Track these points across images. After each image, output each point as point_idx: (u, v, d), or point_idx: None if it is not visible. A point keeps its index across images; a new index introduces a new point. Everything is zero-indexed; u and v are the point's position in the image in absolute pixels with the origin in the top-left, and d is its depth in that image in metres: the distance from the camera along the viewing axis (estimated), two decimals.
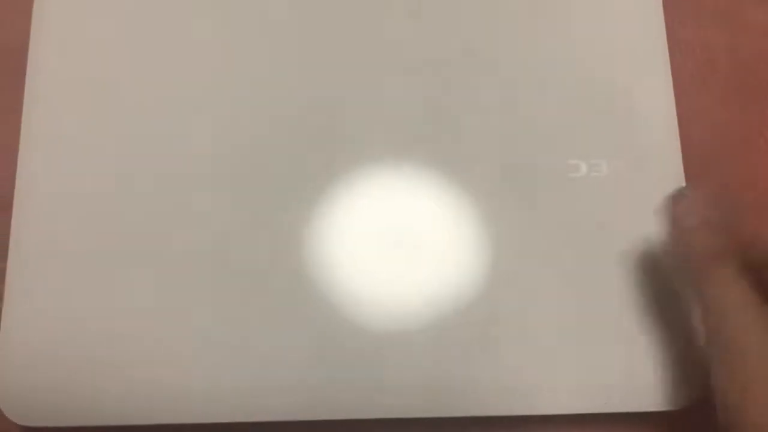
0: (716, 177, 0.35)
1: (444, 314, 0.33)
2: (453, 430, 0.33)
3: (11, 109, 0.36)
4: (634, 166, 0.33)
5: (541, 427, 0.33)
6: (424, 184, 0.34)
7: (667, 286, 0.32)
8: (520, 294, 0.33)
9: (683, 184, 0.33)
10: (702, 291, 0.26)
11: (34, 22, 0.36)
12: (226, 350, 0.33)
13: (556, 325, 0.32)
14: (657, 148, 0.34)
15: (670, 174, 0.33)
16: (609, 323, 0.32)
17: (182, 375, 0.33)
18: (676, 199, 0.28)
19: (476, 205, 0.33)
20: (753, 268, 0.26)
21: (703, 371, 0.30)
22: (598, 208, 0.33)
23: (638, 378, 0.32)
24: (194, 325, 0.33)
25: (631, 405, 0.32)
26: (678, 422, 0.33)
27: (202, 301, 0.33)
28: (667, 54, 0.35)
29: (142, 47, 0.36)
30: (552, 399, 0.32)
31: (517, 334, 0.32)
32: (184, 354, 0.33)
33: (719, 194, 0.31)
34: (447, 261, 0.33)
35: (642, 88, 0.34)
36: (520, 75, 0.34)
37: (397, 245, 0.33)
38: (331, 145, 0.34)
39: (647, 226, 0.32)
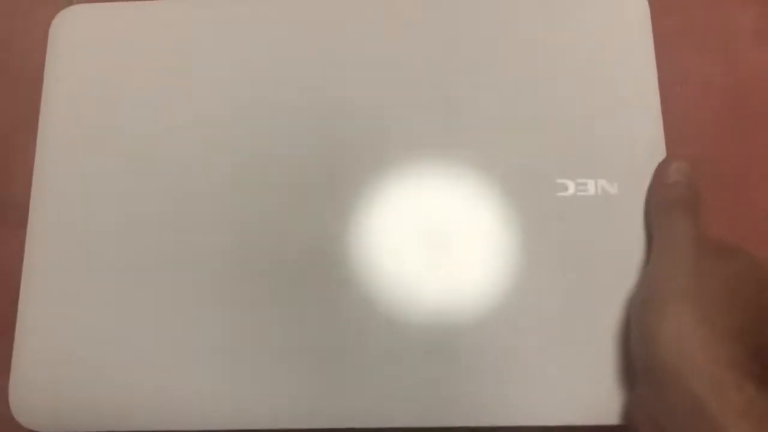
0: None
1: (431, 326, 0.34)
2: None
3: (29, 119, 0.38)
4: (620, 187, 0.35)
5: None
6: (414, 195, 0.35)
7: None
8: (507, 304, 0.34)
9: None
10: (664, 223, 0.32)
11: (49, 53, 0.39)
12: (238, 358, 0.34)
13: (543, 339, 0.33)
14: (643, 170, 0.35)
15: None
16: (592, 337, 0.33)
17: (195, 383, 0.34)
18: (666, 162, 0.34)
19: (463, 222, 0.35)
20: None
21: None
22: (584, 226, 0.34)
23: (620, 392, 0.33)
24: (206, 333, 0.34)
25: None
26: None
27: (214, 311, 0.35)
28: (656, 77, 0.36)
29: (160, 57, 0.38)
30: (552, 411, 0.33)
31: (508, 346, 0.33)
32: (196, 362, 0.34)
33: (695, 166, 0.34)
34: (433, 274, 0.34)
35: (630, 111, 0.36)
36: (513, 94, 0.36)
37: (394, 253, 0.35)
38: (329, 158, 0.36)
39: (631, 245, 0.34)
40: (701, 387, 0.26)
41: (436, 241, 0.35)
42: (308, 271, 0.35)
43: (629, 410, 0.32)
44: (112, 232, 0.36)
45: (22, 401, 0.35)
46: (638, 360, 0.30)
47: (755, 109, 0.39)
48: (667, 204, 0.32)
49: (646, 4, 0.37)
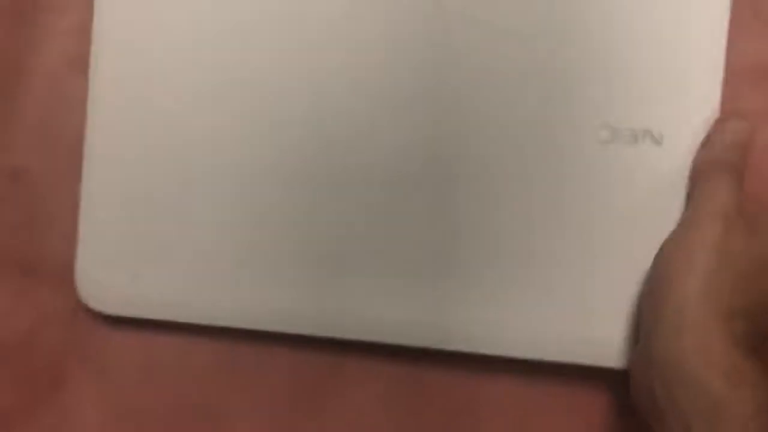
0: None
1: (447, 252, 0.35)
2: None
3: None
4: (666, 139, 0.34)
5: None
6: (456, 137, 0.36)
7: None
8: (538, 244, 0.35)
9: None
10: (705, 183, 0.32)
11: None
12: (305, 261, 0.36)
13: (565, 279, 0.35)
14: (692, 123, 0.34)
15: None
16: (613, 284, 0.35)
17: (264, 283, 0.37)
18: (724, 119, 0.33)
19: (505, 165, 0.35)
20: None
21: None
22: (624, 176, 0.35)
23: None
24: (275, 235, 0.36)
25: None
26: None
27: (282, 211, 0.36)
28: (726, 24, 0.34)
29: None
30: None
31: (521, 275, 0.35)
32: (266, 262, 0.36)
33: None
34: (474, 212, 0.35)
35: (689, 59, 0.34)
36: (558, 39, 0.35)
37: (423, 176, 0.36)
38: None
39: (670, 198, 0.34)
40: (694, 355, 0.28)
41: (469, 182, 0.35)
42: (382, 182, 0.36)
43: (631, 360, 0.33)
44: (176, 120, 0.37)
45: (88, 284, 0.38)
46: (645, 312, 0.32)
47: None
48: (713, 166, 0.32)
49: None
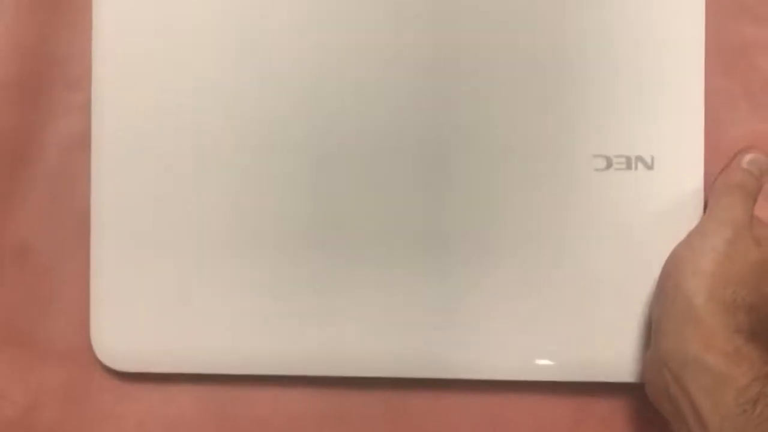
0: None
1: (470, 286, 0.37)
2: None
3: None
4: (657, 163, 0.37)
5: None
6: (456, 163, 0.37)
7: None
8: (540, 270, 0.37)
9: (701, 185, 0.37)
10: (719, 200, 0.35)
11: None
12: (311, 305, 0.37)
13: (572, 304, 0.37)
14: (680, 149, 0.37)
15: (689, 174, 0.37)
16: (617, 304, 0.37)
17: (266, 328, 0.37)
18: (745, 149, 0.36)
19: (502, 194, 0.37)
20: None
21: None
22: (619, 200, 0.37)
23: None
24: (281, 280, 0.37)
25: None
26: None
27: (289, 258, 0.37)
28: (702, 58, 0.37)
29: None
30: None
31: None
32: (268, 306, 0.37)
33: None
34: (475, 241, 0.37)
35: (671, 90, 0.37)
36: (553, 70, 0.37)
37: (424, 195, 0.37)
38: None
39: (664, 220, 0.36)
40: (696, 339, 0.31)
41: (472, 211, 0.37)
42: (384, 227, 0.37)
43: (644, 367, 0.36)
44: (180, 178, 0.38)
45: (103, 341, 0.38)
46: (655, 313, 0.35)
47: None
48: (730, 185, 0.35)
49: None
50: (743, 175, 0.35)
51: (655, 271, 0.35)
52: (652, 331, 0.35)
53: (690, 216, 0.36)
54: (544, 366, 0.37)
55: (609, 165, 0.37)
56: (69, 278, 0.40)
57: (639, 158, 0.36)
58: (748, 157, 0.35)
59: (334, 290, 0.37)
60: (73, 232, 0.40)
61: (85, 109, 0.40)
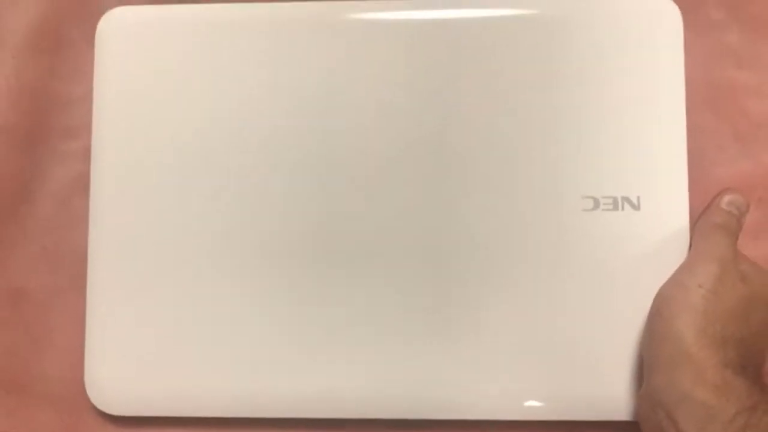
0: None
1: (461, 330, 0.37)
2: None
3: None
4: (644, 203, 0.37)
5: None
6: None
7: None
8: (530, 312, 0.37)
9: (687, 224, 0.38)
10: (704, 239, 0.36)
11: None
12: (302, 349, 0.37)
13: (561, 346, 0.37)
14: (664, 189, 0.38)
15: (675, 214, 0.38)
16: (608, 344, 0.37)
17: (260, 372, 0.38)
18: (725, 191, 0.37)
19: (491, 235, 0.38)
20: None
21: None
22: (607, 240, 0.37)
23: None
24: (273, 326, 0.38)
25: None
26: None
27: (280, 301, 0.38)
28: (683, 100, 0.38)
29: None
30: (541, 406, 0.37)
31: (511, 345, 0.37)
32: (260, 351, 0.37)
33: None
34: (462, 285, 0.38)
35: (654, 132, 0.38)
36: (544, 118, 0.38)
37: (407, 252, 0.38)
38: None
39: (650, 259, 0.37)
40: (687, 375, 0.32)
41: (464, 253, 0.38)
42: (381, 265, 0.38)
43: (637, 405, 0.36)
44: (176, 223, 0.38)
45: (96, 385, 0.38)
46: (646, 350, 0.35)
47: None
48: (713, 225, 0.36)
49: (680, 18, 0.38)
50: (724, 215, 0.36)
51: (644, 309, 0.36)
52: (643, 369, 0.35)
53: (676, 254, 0.37)
54: (536, 406, 0.37)
55: (597, 206, 0.37)
56: (64, 322, 0.41)
57: (626, 199, 0.37)
58: (727, 198, 0.37)
59: (327, 336, 0.37)
60: (68, 276, 0.41)
61: (83, 154, 0.41)
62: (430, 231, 0.38)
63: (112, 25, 0.40)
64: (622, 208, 0.37)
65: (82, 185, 0.41)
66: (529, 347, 0.37)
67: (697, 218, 0.37)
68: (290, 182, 0.38)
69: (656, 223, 0.37)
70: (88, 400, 0.39)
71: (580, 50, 0.38)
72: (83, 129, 0.42)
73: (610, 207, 0.37)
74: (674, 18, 0.38)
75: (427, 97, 0.38)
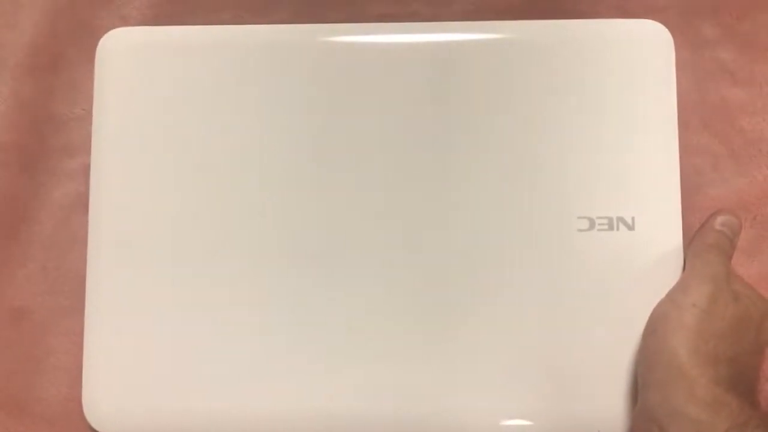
0: None
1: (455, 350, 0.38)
2: None
3: None
4: (638, 223, 0.38)
5: None
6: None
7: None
8: (526, 332, 0.37)
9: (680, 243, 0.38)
10: (698, 257, 0.36)
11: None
12: (302, 369, 0.38)
13: (557, 365, 0.37)
14: (658, 210, 0.38)
15: (669, 234, 0.38)
16: (604, 364, 0.37)
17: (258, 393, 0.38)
18: (718, 212, 0.38)
19: (487, 257, 0.38)
20: None
21: None
22: (602, 260, 0.38)
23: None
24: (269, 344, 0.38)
25: None
26: None
27: (275, 319, 0.38)
28: (676, 122, 0.38)
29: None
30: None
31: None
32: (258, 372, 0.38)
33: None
34: (457, 305, 0.38)
35: (648, 154, 0.38)
36: (535, 138, 0.38)
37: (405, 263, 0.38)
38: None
39: (645, 278, 0.37)
40: (680, 392, 0.32)
41: (461, 278, 0.38)
42: (380, 277, 0.38)
43: (632, 422, 0.36)
44: (174, 243, 0.39)
45: (94, 405, 0.39)
46: (641, 366, 0.36)
47: None
48: (706, 246, 0.37)
49: (671, 41, 0.39)
50: (717, 235, 0.37)
51: (638, 328, 0.36)
52: (638, 386, 0.36)
53: (670, 274, 0.37)
54: (530, 424, 0.37)
55: (592, 226, 0.38)
56: (63, 342, 0.41)
57: (620, 219, 0.38)
58: (720, 219, 0.37)
59: (323, 357, 0.38)
60: (68, 296, 0.41)
61: (82, 174, 0.42)
62: (425, 249, 0.38)
63: (112, 45, 0.41)
64: (617, 228, 0.38)
65: (81, 204, 0.41)
66: (523, 365, 0.37)
67: (691, 238, 0.38)
68: (287, 198, 0.39)
69: (651, 242, 0.38)
70: (85, 420, 0.39)
71: (573, 74, 0.39)
72: (82, 148, 0.42)
73: (605, 227, 0.38)
74: (665, 41, 0.39)
75: (424, 120, 0.39)
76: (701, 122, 0.42)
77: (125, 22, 0.43)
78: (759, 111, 0.42)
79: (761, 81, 0.42)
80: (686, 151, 0.40)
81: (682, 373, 0.33)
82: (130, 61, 0.40)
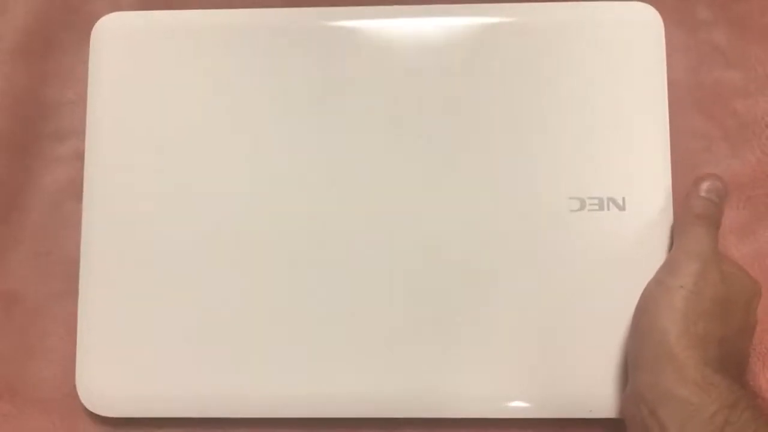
0: None
1: (449, 327, 0.38)
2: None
3: None
4: (629, 203, 0.38)
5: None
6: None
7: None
8: (517, 310, 0.38)
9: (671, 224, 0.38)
10: (686, 232, 0.35)
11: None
12: (292, 351, 0.38)
13: (548, 344, 0.37)
14: (649, 190, 0.38)
15: (659, 214, 0.38)
16: (594, 342, 0.37)
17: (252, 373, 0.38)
18: (702, 177, 0.37)
19: (480, 238, 0.38)
20: None
21: None
22: (594, 240, 0.38)
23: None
24: (263, 324, 0.38)
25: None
26: None
27: (272, 303, 0.38)
28: (665, 95, 0.38)
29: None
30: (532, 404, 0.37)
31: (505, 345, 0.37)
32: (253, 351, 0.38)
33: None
34: (452, 285, 0.38)
35: (639, 130, 0.38)
36: (528, 117, 0.38)
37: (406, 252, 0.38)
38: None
39: (637, 258, 0.37)
40: (671, 375, 0.32)
41: (455, 259, 0.38)
42: (370, 270, 0.38)
43: (622, 403, 0.36)
44: (166, 226, 0.39)
45: (87, 387, 0.39)
46: (631, 348, 0.36)
47: None
48: (693, 217, 0.36)
49: (661, 23, 0.39)
50: (704, 203, 0.36)
51: (629, 308, 0.36)
52: (628, 367, 0.36)
53: (661, 254, 0.37)
54: (523, 404, 0.37)
55: (583, 206, 0.38)
56: (56, 327, 0.41)
57: (611, 200, 0.38)
58: (705, 185, 0.36)
59: (317, 337, 0.38)
60: (61, 281, 0.41)
61: (74, 159, 0.42)
62: (416, 232, 0.38)
63: (106, 30, 0.41)
64: (608, 209, 0.38)
65: (72, 189, 0.41)
66: (515, 346, 0.37)
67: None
68: (284, 188, 0.39)
69: (641, 223, 0.38)
70: (80, 404, 0.39)
71: (564, 56, 0.39)
72: (73, 133, 0.42)
73: (596, 207, 0.38)
74: (655, 22, 0.39)
75: (416, 104, 0.39)
76: (695, 104, 0.42)
77: (117, 6, 0.43)
78: (753, 93, 0.42)
79: (755, 63, 0.42)
80: (680, 133, 0.40)
81: (671, 355, 0.33)
82: (125, 46, 0.40)
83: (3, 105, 0.43)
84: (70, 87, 0.43)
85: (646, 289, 0.36)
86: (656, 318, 0.34)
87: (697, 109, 0.42)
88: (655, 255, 0.37)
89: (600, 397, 0.37)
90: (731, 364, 0.34)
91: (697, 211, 0.36)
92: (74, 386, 0.39)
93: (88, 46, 0.41)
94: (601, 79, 0.39)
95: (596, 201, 0.38)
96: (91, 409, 0.39)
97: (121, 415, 0.39)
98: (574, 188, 0.38)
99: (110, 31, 0.41)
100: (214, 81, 0.40)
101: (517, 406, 0.37)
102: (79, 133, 0.40)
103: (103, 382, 0.38)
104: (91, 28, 0.41)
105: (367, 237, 0.38)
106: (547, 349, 0.37)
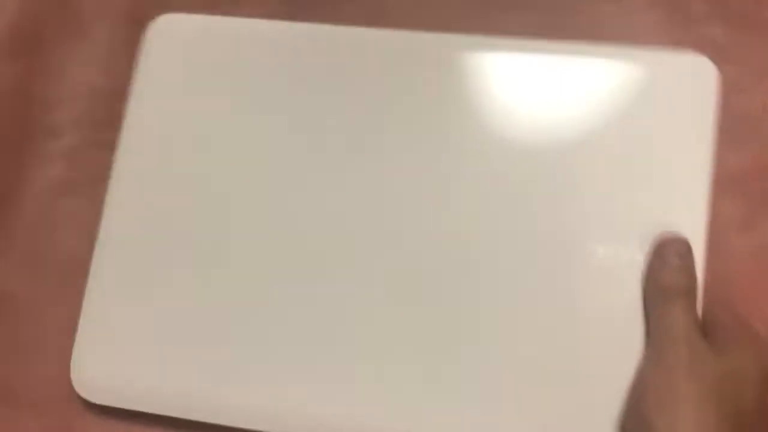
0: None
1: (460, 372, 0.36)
2: None
3: None
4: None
5: None
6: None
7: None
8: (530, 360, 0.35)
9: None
10: (661, 311, 0.32)
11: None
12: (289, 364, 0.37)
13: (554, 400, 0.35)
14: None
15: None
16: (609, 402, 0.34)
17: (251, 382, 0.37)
18: (664, 243, 0.33)
19: (498, 283, 0.36)
20: None
21: None
22: (611, 291, 0.35)
23: None
24: (266, 333, 0.37)
25: None
26: None
27: (275, 306, 0.37)
28: (710, 167, 0.36)
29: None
30: None
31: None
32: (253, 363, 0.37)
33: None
34: (469, 334, 0.36)
35: (671, 183, 0.36)
36: (554, 162, 0.37)
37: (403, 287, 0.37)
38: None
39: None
40: None
41: (471, 305, 0.36)
42: (385, 275, 0.37)
43: None
44: (172, 224, 0.39)
45: (83, 376, 0.38)
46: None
47: None
48: (665, 291, 0.32)
49: (716, 76, 0.37)
50: (675, 275, 0.32)
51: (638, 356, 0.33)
52: None
53: None
54: None
55: (607, 253, 0.35)
56: (51, 325, 0.40)
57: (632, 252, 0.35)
58: (673, 251, 0.33)
59: (311, 355, 0.37)
60: (55, 279, 0.41)
61: (66, 155, 0.41)
62: (418, 261, 0.37)
63: (160, 30, 0.41)
64: (628, 260, 0.35)
65: (65, 187, 0.41)
66: (518, 380, 0.35)
67: (644, 283, 0.34)
68: (284, 190, 0.38)
69: None
70: (76, 404, 0.38)
71: (612, 106, 0.37)
72: (66, 129, 0.42)
73: (616, 258, 0.35)
74: (710, 80, 0.37)
75: (442, 137, 0.38)
76: None
77: (110, 2, 0.43)
78: (748, 88, 0.42)
79: (750, 58, 0.42)
80: None
81: None
82: (176, 49, 0.41)
83: None
84: (61, 82, 0.42)
85: (634, 387, 0.32)
86: (644, 412, 0.30)
87: None
88: None
89: None
90: None
91: (668, 284, 0.32)
92: (69, 385, 0.38)
93: (79, 42, 0.40)
94: (645, 134, 0.37)
95: (616, 251, 0.35)
96: (85, 396, 0.38)
97: (113, 404, 0.38)
98: (597, 234, 0.36)
99: (164, 32, 0.41)
100: (261, 93, 0.40)
101: None
102: (72, 127, 0.40)
103: (98, 366, 0.38)
104: (81, 23, 0.41)
105: (372, 260, 0.37)
106: (545, 393, 0.35)
